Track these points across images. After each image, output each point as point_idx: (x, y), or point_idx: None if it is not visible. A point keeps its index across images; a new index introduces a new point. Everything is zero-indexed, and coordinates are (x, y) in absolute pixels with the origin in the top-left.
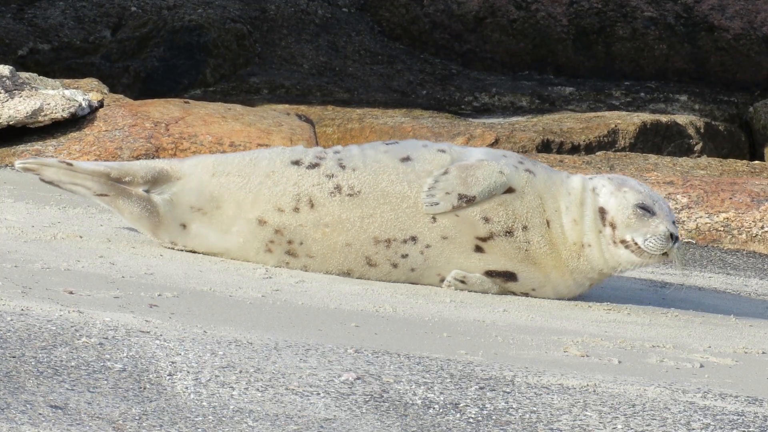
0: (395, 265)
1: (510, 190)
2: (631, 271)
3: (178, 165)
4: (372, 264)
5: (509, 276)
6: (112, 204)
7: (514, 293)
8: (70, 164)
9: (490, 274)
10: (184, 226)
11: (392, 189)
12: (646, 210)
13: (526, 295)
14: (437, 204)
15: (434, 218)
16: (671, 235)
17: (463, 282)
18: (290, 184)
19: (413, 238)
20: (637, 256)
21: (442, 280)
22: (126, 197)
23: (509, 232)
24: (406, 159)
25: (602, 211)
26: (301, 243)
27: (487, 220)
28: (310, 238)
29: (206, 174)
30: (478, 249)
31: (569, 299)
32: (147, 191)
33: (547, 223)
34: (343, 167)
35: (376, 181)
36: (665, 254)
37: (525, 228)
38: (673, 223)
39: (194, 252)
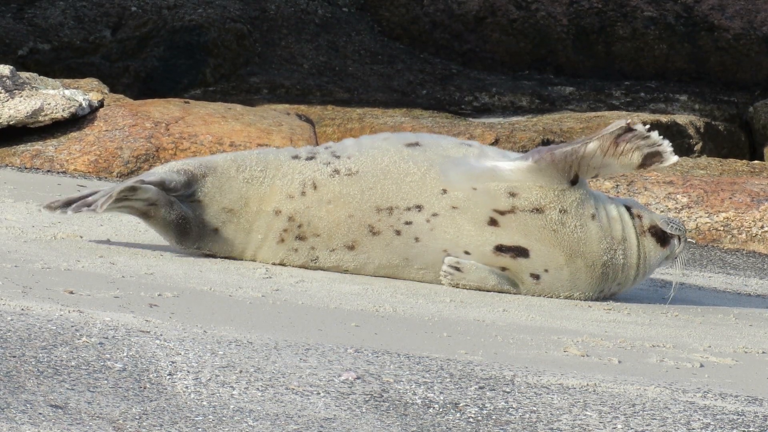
0: (398, 232)
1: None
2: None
3: (195, 164)
4: (375, 232)
5: (520, 252)
6: (152, 215)
7: (514, 283)
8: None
9: (499, 248)
10: (216, 230)
11: (394, 167)
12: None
13: (537, 277)
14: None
15: (444, 190)
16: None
17: (458, 270)
18: (296, 172)
19: (418, 207)
20: (659, 244)
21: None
22: (168, 206)
23: (538, 210)
24: (414, 144)
25: (628, 207)
26: (309, 223)
27: (513, 195)
28: (315, 217)
29: (232, 169)
30: (493, 222)
31: (575, 298)
32: (178, 197)
33: (592, 216)
34: (337, 157)
35: (375, 162)
36: (679, 240)
37: (563, 211)
38: None
39: (212, 255)
